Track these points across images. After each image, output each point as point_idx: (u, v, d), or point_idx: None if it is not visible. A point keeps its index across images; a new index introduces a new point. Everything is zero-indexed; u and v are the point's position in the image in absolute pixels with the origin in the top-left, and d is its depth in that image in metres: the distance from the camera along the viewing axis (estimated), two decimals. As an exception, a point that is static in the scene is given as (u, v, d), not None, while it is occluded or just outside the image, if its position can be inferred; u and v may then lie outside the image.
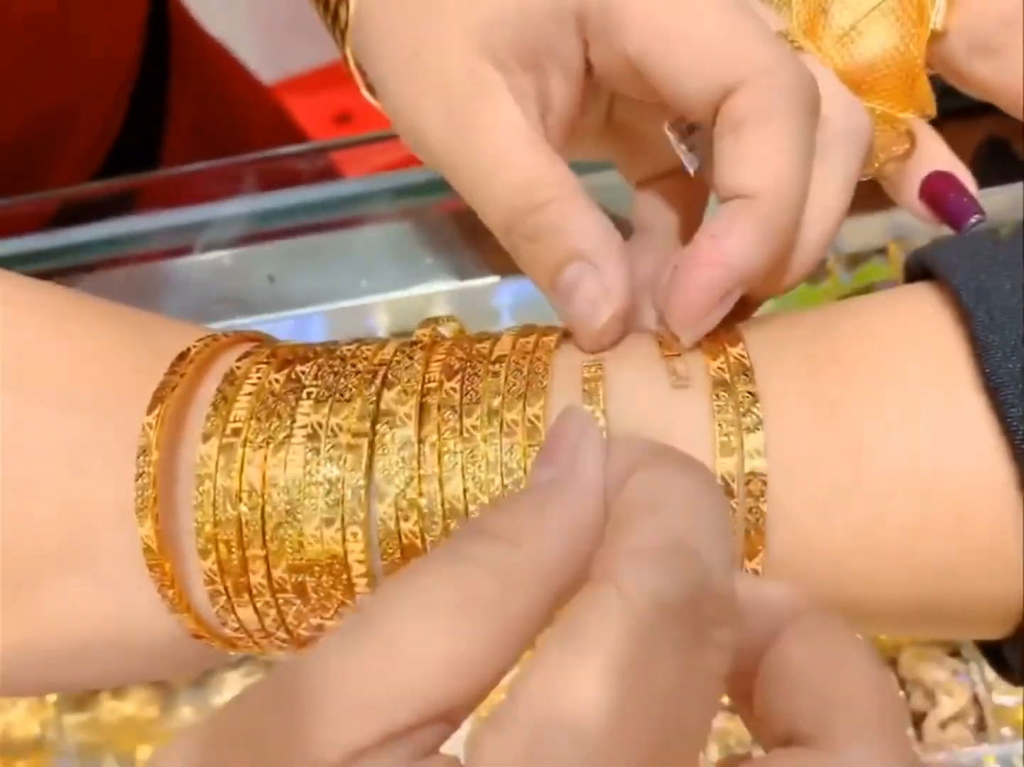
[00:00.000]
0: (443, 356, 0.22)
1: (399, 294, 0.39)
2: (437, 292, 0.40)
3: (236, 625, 0.21)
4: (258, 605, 0.21)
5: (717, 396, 0.20)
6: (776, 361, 0.21)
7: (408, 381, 0.21)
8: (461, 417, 0.21)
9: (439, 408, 0.21)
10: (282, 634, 0.22)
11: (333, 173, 0.44)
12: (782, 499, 0.20)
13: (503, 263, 0.40)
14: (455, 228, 0.41)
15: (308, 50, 1.39)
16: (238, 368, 0.22)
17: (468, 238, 0.41)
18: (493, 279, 0.40)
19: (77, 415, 0.21)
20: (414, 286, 0.40)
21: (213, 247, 0.41)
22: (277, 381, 0.21)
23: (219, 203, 0.41)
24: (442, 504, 0.20)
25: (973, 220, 0.30)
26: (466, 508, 0.20)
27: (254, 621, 0.21)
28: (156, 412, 0.21)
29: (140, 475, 0.20)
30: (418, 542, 0.20)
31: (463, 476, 0.20)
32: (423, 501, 0.20)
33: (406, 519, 0.20)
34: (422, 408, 0.21)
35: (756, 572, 0.20)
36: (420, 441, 0.21)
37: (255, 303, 0.39)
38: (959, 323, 0.20)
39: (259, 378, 0.22)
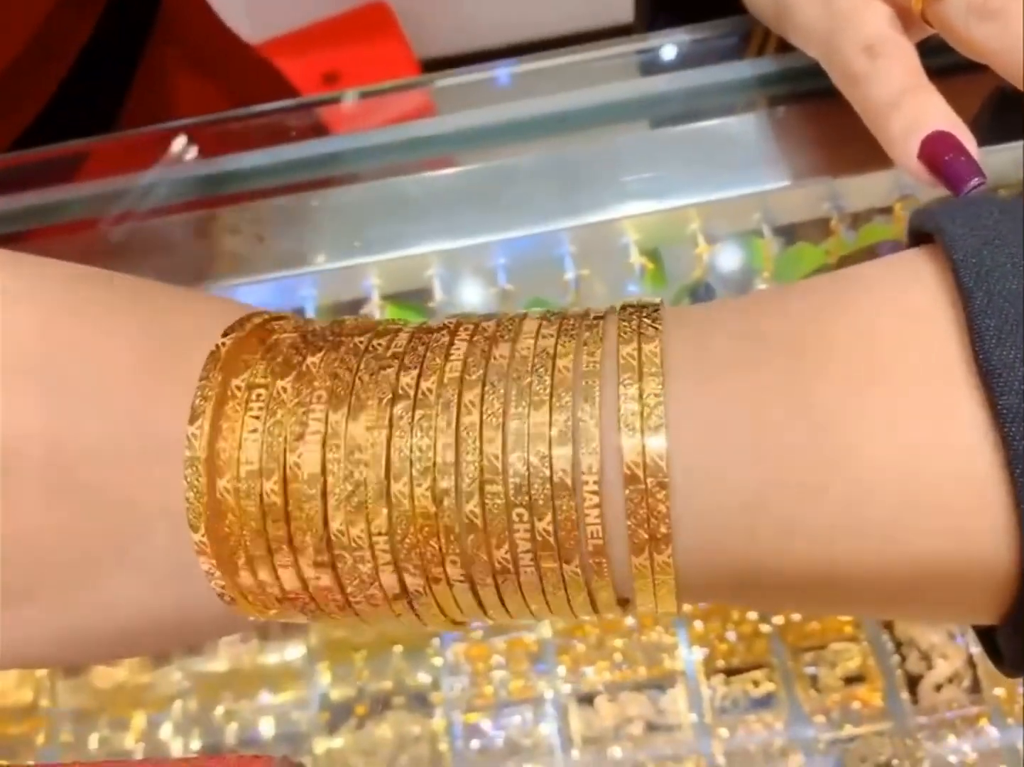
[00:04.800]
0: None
1: (392, 254, 0.39)
2: (431, 252, 0.39)
3: (267, 602, 0.22)
4: (286, 587, 0.21)
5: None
6: (758, 365, 0.21)
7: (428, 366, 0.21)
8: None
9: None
10: (310, 606, 0.22)
11: (323, 130, 0.43)
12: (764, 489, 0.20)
13: (498, 223, 0.39)
14: (450, 187, 0.40)
15: (295, 9, 1.37)
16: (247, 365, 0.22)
17: (462, 197, 0.40)
18: (488, 238, 0.39)
19: (108, 416, 0.21)
20: (409, 246, 0.39)
21: (202, 205, 0.40)
22: (284, 390, 0.21)
23: (208, 160, 0.41)
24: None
25: (972, 183, 0.29)
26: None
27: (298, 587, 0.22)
28: (198, 423, 0.21)
29: (191, 487, 0.21)
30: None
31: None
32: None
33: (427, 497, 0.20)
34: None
35: (667, 564, 0.20)
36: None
37: (245, 263, 0.38)
38: (956, 299, 0.19)
39: (267, 380, 0.21)
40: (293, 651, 0.49)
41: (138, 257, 0.39)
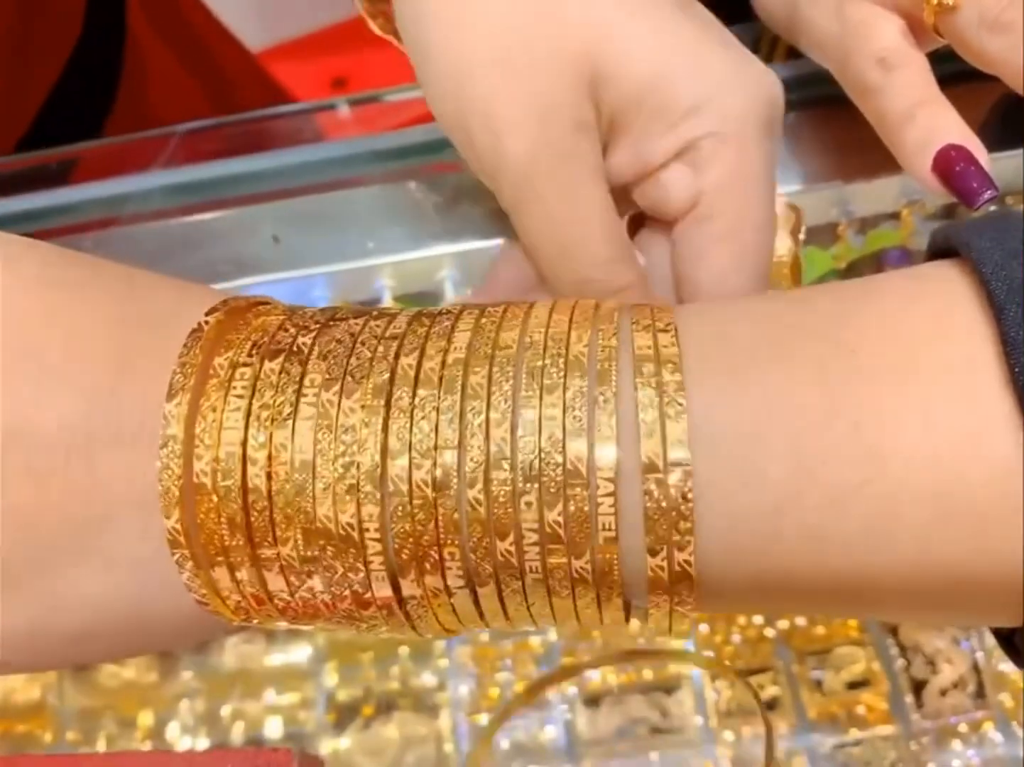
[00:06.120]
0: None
1: (405, 255, 0.39)
2: (444, 254, 0.39)
3: (248, 608, 0.20)
4: (270, 587, 0.20)
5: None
6: (787, 357, 0.20)
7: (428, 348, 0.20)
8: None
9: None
10: (293, 607, 0.20)
11: (337, 133, 0.44)
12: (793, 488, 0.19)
13: (510, 226, 0.39)
14: (462, 189, 0.40)
15: (304, 15, 1.38)
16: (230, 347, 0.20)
17: (475, 199, 0.40)
18: (499, 241, 0.39)
19: (75, 394, 0.20)
20: (421, 248, 0.39)
21: (218, 207, 0.40)
22: (273, 371, 0.20)
23: (223, 162, 0.41)
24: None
25: (985, 196, 0.29)
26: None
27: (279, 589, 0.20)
28: (177, 401, 0.19)
29: (165, 468, 0.19)
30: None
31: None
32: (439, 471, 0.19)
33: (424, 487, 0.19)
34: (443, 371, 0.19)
35: (688, 563, 0.19)
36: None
37: (260, 264, 0.39)
38: (987, 313, 0.19)
39: (253, 362, 0.20)
40: (300, 651, 0.49)
41: (152, 257, 0.39)
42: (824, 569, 0.19)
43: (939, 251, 0.22)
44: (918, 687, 0.47)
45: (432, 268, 0.39)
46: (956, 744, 0.46)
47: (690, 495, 0.18)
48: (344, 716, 0.47)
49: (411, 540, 0.19)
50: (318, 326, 0.20)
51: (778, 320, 0.21)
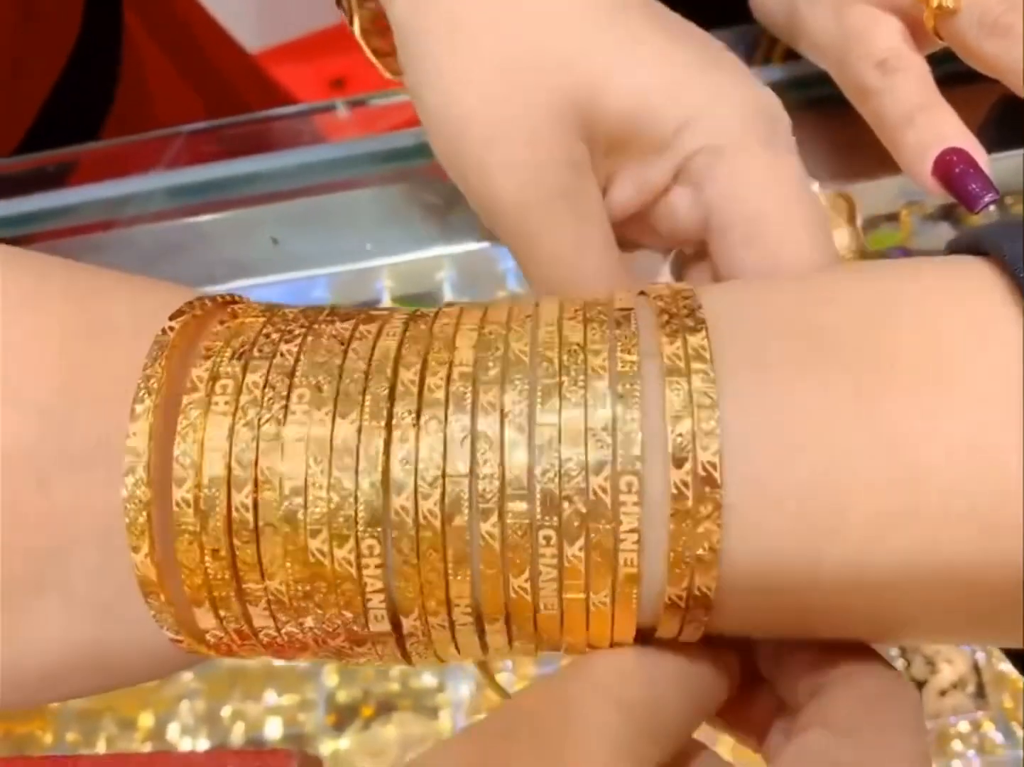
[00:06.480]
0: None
1: (405, 257, 0.39)
2: (443, 255, 0.39)
3: (230, 644, 0.19)
4: (256, 623, 0.18)
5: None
6: (815, 358, 0.19)
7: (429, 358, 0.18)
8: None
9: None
10: (278, 642, 0.19)
11: (336, 135, 0.44)
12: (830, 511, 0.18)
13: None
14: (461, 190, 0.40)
15: (303, 16, 1.38)
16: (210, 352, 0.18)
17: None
18: (498, 242, 0.39)
19: (25, 414, 0.18)
20: (420, 249, 0.39)
21: (216, 208, 0.40)
22: (256, 384, 0.18)
23: (221, 163, 0.41)
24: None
25: (986, 199, 0.29)
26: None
27: (248, 632, 0.19)
28: (140, 423, 0.17)
29: (130, 496, 0.17)
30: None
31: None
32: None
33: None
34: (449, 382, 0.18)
35: (709, 589, 0.18)
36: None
37: (258, 265, 0.39)
38: (1019, 316, 0.18)
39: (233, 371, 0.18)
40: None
41: (150, 259, 0.39)
42: (862, 597, 0.19)
43: (960, 251, 0.21)
44: (918, 687, 0.47)
45: (431, 269, 0.39)
46: (956, 744, 0.46)
47: (718, 523, 0.17)
48: (344, 717, 0.47)
49: (415, 579, 0.17)
50: (303, 331, 0.18)
51: (811, 319, 0.19)
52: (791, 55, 0.42)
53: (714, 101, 0.25)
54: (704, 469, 0.17)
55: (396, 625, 0.18)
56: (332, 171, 0.41)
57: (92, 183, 0.42)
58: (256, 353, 0.18)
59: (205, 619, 0.18)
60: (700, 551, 0.17)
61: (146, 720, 0.48)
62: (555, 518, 0.17)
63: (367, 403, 0.17)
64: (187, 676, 0.48)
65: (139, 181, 0.41)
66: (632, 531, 0.17)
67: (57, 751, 0.47)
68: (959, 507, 0.18)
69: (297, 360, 0.18)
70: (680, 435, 0.17)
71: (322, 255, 0.39)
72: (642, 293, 0.21)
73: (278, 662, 0.48)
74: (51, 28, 0.50)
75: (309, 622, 0.18)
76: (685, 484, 0.17)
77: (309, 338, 0.18)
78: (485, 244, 0.39)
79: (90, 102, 0.53)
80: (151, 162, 0.42)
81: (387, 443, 0.17)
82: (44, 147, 0.45)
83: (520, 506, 0.17)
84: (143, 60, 0.56)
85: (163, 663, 0.20)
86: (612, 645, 0.19)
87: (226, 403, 0.17)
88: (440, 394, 0.17)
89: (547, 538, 0.17)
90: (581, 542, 0.17)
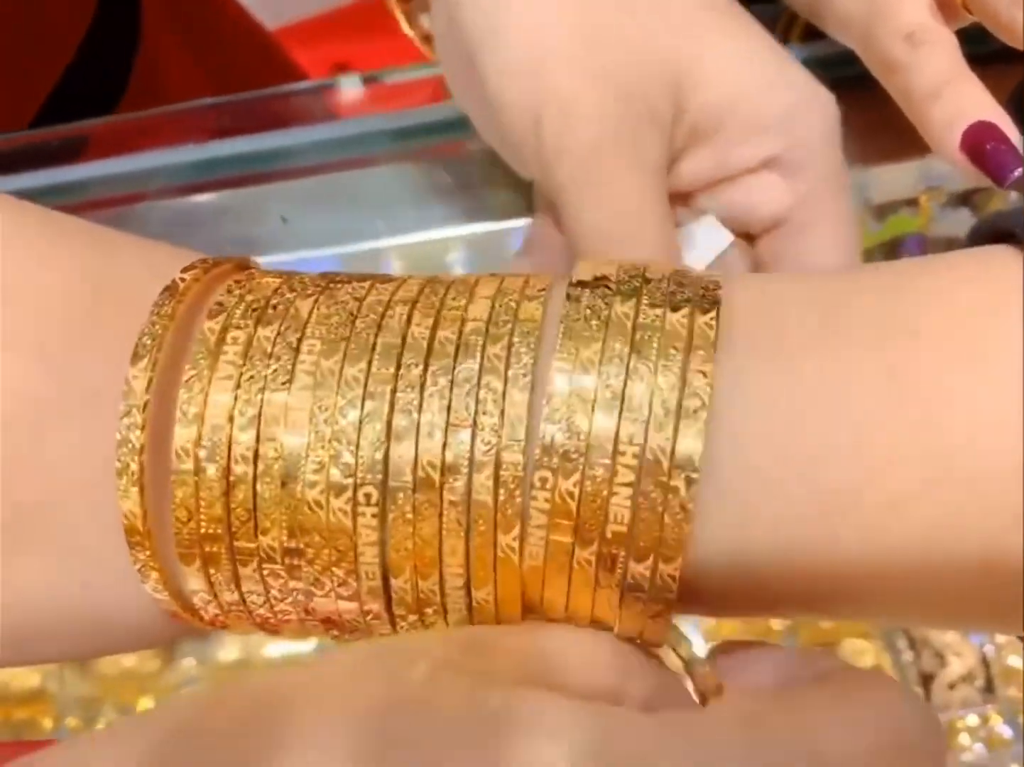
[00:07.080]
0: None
1: (414, 237, 0.39)
2: (454, 236, 0.39)
3: (216, 611, 0.19)
4: (244, 587, 0.18)
5: None
6: (843, 330, 0.18)
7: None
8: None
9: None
10: (263, 611, 0.19)
11: (346, 113, 0.43)
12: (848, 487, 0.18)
13: (519, 207, 0.39)
14: (474, 170, 0.40)
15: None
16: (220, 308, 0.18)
17: (485, 181, 0.40)
18: (510, 223, 0.39)
19: (25, 361, 0.18)
20: (430, 229, 0.39)
21: (225, 186, 0.40)
22: (267, 338, 0.18)
23: (231, 140, 0.40)
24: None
25: (1017, 174, 0.29)
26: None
27: (238, 601, 0.18)
28: (143, 364, 0.17)
29: (124, 440, 0.17)
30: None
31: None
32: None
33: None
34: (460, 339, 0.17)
35: (672, 578, 0.17)
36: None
37: (268, 243, 0.38)
38: None
39: (246, 323, 0.18)
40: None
41: (160, 236, 0.38)
42: (882, 575, 0.18)
43: (982, 238, 0.21)
44: (926, 680, 0.47)
45: (441, 250, 0.39)
46: (964, 738, 0.46)
47: (690, 506, 0.17)
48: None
49: (411, 532, 0.17)
50: (318, 290, 0.18)
51: (832, 301, 0.19)
52: (809, 36, 0.41)
53: (810, 99, 0.27)
54: (685, 441, 0.17)
55: (386, 588, 0.18)
56: (342, 149, 0.41)
57: (102, 159, 0.41)
58: (270, 310, 0.18)
59: (194, 580, 0.18)
60: (669, 531, 0.17)
61: (146, 706, 0.48)
62: (554, 459, 0.17)
63: (376, 354, 0.17)
64: (189, 662, 0.48)
65: (148, 158, 0.41)
66: (627, 486, 0.17)
67: (58, 736, 0.47)
68: (983, 486, 0.17)
69: (310, 314, 0.18)
70: (669, 404, 0.17)
71: (331, 234, 0.39)
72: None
73: (280, 651, 0.48)
74: (67, 6, 0.49)
75: (299, 585, 0.18)
76: (663, 451, 0.17)
77: (323, 295, 0.18)
78: (496, 224, 0.39)
79: (105, 82, 0.53)
80: (160, 139, 0.42)
81: (393, 392, 0.17)
82: (57, 124, 0.44)
83: (516, 457, 0.17)
84: (159, 39, 0.56)
85: (151, 628, 0.19)
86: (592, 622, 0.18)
87: (235, 354, 0.17)
88: (451, 347, 0.17)
89: (543, 479, 0.17)
90: (576, 477, 0.17)
